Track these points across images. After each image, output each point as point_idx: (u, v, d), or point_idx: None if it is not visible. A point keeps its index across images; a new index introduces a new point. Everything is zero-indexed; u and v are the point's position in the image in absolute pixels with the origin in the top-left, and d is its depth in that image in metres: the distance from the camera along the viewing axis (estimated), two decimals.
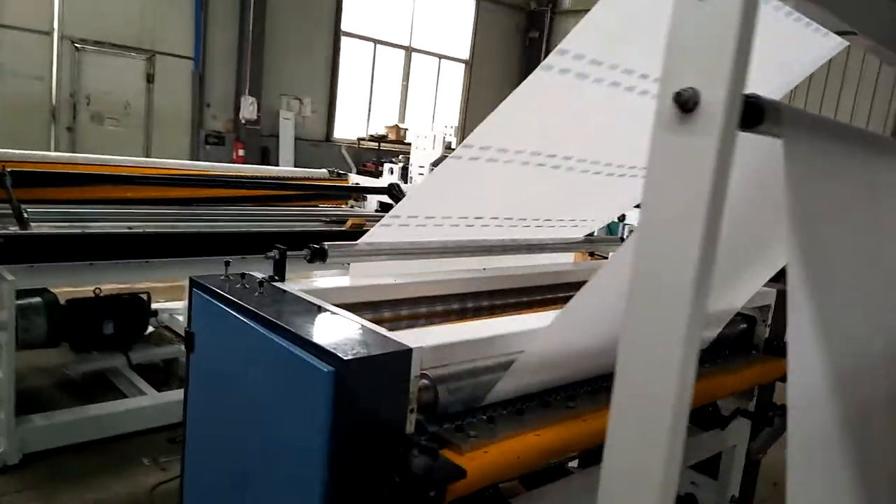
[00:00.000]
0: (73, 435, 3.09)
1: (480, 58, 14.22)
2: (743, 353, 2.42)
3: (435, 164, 4.71)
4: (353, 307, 1.83)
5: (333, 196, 5.35)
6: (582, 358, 1.65)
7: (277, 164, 11.11)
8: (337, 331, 1.40)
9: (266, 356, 1.41)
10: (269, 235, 3.67)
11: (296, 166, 11.06)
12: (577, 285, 2.53)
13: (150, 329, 4.19)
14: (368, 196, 5.30)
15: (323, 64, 12.07)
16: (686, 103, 0.95)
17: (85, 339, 3.71)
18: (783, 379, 2.47)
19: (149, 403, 3.38)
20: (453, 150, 5.05)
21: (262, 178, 5.10)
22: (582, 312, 1.42)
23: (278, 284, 1.74)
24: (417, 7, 12.97)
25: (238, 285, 1.68)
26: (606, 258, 3.02)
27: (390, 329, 1.66)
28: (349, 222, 4.11)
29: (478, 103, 14.30)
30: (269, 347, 1.38)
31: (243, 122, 10.79)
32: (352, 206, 5.45)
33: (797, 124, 1.07)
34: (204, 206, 4.31)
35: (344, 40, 12.22)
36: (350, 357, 1.23)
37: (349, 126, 12.65)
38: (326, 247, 1.85)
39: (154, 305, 4.11)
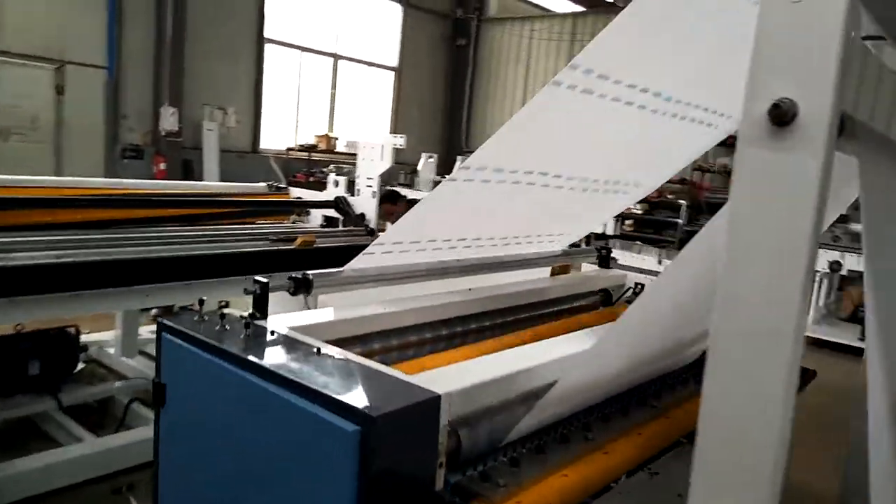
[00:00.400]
0: (3, 494, 2.73)
1: (409, 65, 14.09)
2: None
3: (383, 175, 4.52)
4: (344, 342, 1.66)
5: (275, 211, 5.08)
6: (611, 381, 1.54)
7: (202, 178, 10.58)
8: (352, 379, 1.23)
9: (270, 413, 1.22)
10: (214, 258, 3.40)
11: (222, 179, 10.58)
12: (564, 300, 2.46)
13: (81, 366, 3.81)
14: (312, 210, 5.05)
15: (247, 72, 11.62)
16: (783, 116, 0.84)
17: (8, 382, 3.32)
18: None
19: (88, 451, 3.04)
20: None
21: (198, 194, 4.78)
22: (624, 336, 1.31)
23: (262, 323, 1.55)
24: (344, 14, 12.71)
25: (217, 327, 1.47)
26: (579, 270, 2.94)
27: (384, 361, 1.51)
28: (299, 240, 3.87)
29: (408, 111, 14.17)
30: (274, 403, 1.20)
31: (163, 133, 10.21)
32: (294, 222, 5.19)
33: (873, 141, 1.00)
34: (134, 229, 3.95)
35: (268, 47, 11.81)
36: (380, 413, 1.07)
37: (277, 136, 12.23)
38: (311, 276, 1.67)
39: (81, 338, 3.75)
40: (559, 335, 1.87)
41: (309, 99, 12.66)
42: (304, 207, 5.00)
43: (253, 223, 4.93)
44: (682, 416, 1.85)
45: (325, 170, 12.24)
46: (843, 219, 7.52)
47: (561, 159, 1.77)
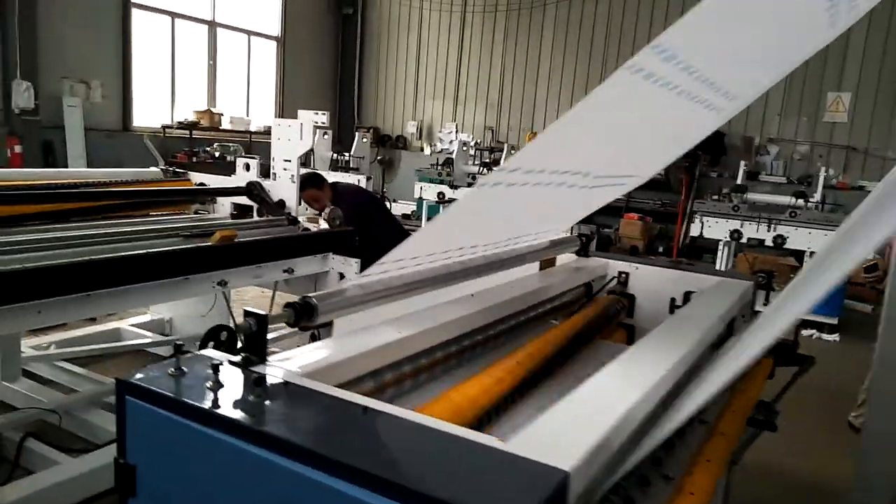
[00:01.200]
0: None
1: (293, 35, 13.23)
2: None
3: (302, 157, 4.06)
4: (363, 382, 1.32)
5: (174, 201, 4.45)
6: None
7: (66, 161, 9.40)
8: (444, 459, 0.89)
9: None
10: (119, 262, 2.84)
11: (90, 161, 9.47)
12: (562, 295, 2.22)
13: None
14: (219, 199, 4.48)
15: (112, 41, 10.37)
16: None
17: None
18: (769, 376, 2.35)
19: None
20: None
21: (81, 184, 4.07)
22: None
23: (260, 369, 1.16)
24: None
25: (209, 382, 1.07)
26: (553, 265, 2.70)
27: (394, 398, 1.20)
28: (217, 234, 3.36)
29: (294, 83, 13.36)
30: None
31: (17, 112, 8.92)
32: (196, 212, 4.59)
33: None
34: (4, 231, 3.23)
35: (135, 13, 10.62)
36: None
37: (151, 113, 11.09)
38: (315, 302, 1.29)
39: None
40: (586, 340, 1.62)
41: (186, 72, 11.58)
42: (211, 195, 4.41)
43: (148, 215, 4.29)
44: (730, 428, 1.67)
45: (209, 149, 11.30)
46: (740, 189, 7.87)
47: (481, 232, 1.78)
